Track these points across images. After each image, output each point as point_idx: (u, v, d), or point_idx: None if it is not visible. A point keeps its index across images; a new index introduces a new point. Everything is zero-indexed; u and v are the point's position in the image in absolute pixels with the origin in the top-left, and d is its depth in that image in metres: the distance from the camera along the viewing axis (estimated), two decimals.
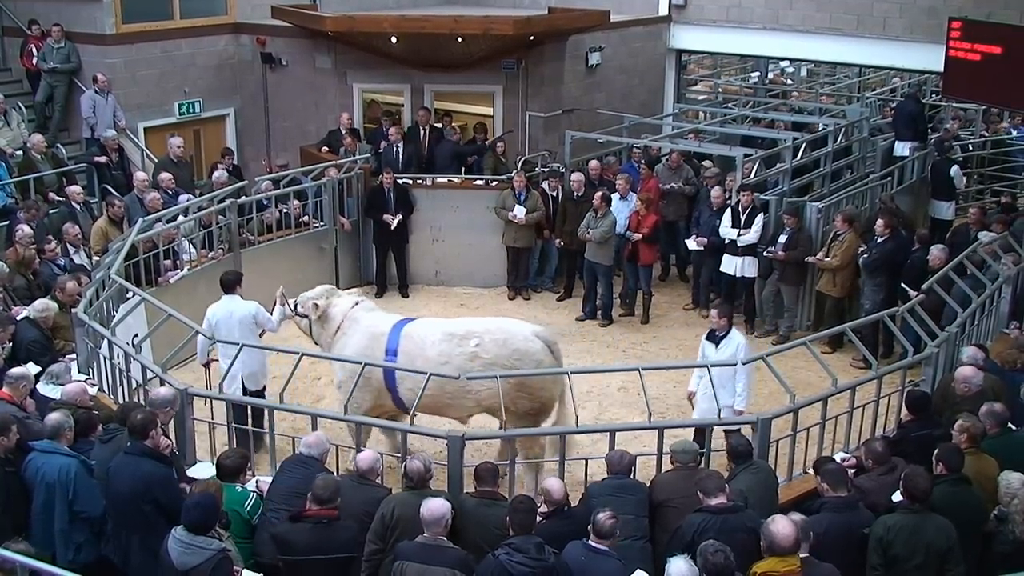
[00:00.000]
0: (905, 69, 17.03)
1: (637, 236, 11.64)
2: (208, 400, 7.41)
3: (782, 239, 11.10)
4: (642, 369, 7.30)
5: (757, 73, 19.59)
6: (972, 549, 5.89)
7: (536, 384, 7.91)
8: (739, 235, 11.34)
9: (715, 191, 11.84)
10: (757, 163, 12.76)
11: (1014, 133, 16.65)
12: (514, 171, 12.71)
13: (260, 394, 8.46)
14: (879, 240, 10.60)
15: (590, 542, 5.44)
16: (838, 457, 6.67)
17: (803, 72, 21.07)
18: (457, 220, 12.83)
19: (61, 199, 11.47)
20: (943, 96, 16.26)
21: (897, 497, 5.82)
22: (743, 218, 11.34)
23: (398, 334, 8.10)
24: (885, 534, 5.62)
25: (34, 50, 13.89)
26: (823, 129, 13.86)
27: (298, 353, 7.19)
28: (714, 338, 8.36)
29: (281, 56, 15.07)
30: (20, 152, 12.18)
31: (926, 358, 7.70)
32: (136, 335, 8.31)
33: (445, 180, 13.10)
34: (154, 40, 14.34)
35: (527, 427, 7.74)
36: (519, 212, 12.27)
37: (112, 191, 12.25)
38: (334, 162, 12.97)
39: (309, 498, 5.70)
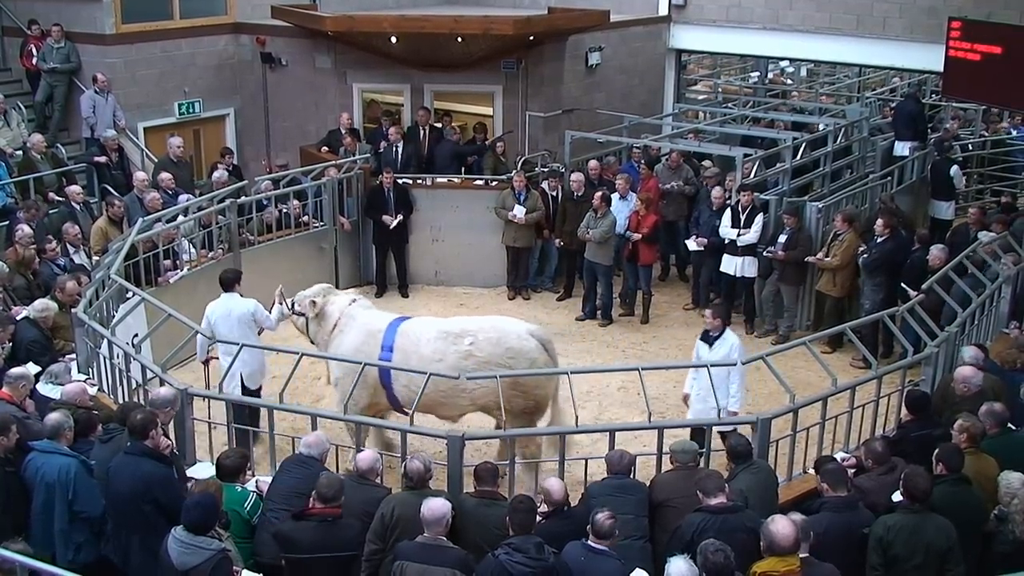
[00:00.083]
0: (905, 69, 17.02)
1: (637, 236, 11.64)
2: (207, 400, 7.41)
3: (782, 239, 11.10)
4: (642, 369, 7.31)
5: (757, 73, 19.58)
6: (972, 549, 5.89)
7: (531, 383, 7.93)
8: (739, 235, 11.33)
9: (715, 191, 11.84)
10: (757, 163, 12.75)
11: (1014, 133, 16.63)
12: (514, 171, 12.70)
13: (257, 393, 8.49)
14: (879, 240, 10.59)
15: (590, 542, 5.43)
16: (838, 457, 6.67)
17: (803, 72, 21.05)
18: (457, 220, 12.82)
19: (61, 199, 11.47)
20: (943, 96, 16.25)
21: (897, 497, 5.82)
22: (743, 218, 11.34)
23: (394, 331, 8.14)
24: (885, 534, 5.61)
25: (34, 50, 13.88)
26: (823, 129, 13.85)
27: (298, 353, 7.20)
28: (708, 339, 8.37)
29: (281, 56, 15.06)
30: (20, 152, 12.17)
31: (926, 358, 7.70)
32: (136, 335, 8.31)
33: (445, 180, 13.10)
34: (154, 40, 14.34)
35: (522, 426, 7.74)
36: (519, 212, 12.26)
37: (112, 191, 12.24)
38: (334, 162, 12.96)
39: (313, 496, 5.72)
